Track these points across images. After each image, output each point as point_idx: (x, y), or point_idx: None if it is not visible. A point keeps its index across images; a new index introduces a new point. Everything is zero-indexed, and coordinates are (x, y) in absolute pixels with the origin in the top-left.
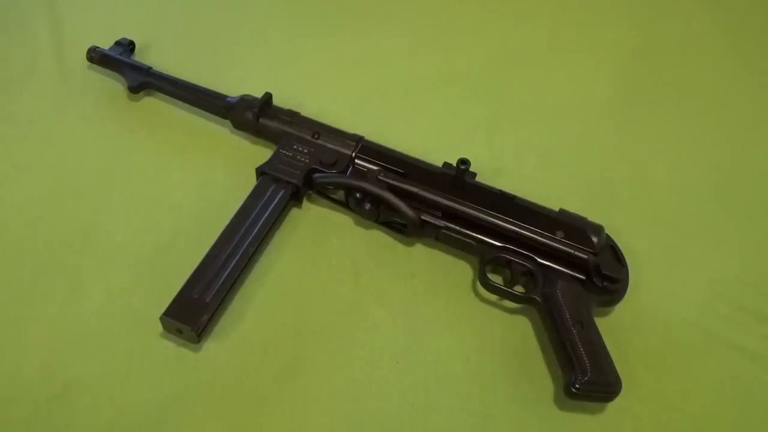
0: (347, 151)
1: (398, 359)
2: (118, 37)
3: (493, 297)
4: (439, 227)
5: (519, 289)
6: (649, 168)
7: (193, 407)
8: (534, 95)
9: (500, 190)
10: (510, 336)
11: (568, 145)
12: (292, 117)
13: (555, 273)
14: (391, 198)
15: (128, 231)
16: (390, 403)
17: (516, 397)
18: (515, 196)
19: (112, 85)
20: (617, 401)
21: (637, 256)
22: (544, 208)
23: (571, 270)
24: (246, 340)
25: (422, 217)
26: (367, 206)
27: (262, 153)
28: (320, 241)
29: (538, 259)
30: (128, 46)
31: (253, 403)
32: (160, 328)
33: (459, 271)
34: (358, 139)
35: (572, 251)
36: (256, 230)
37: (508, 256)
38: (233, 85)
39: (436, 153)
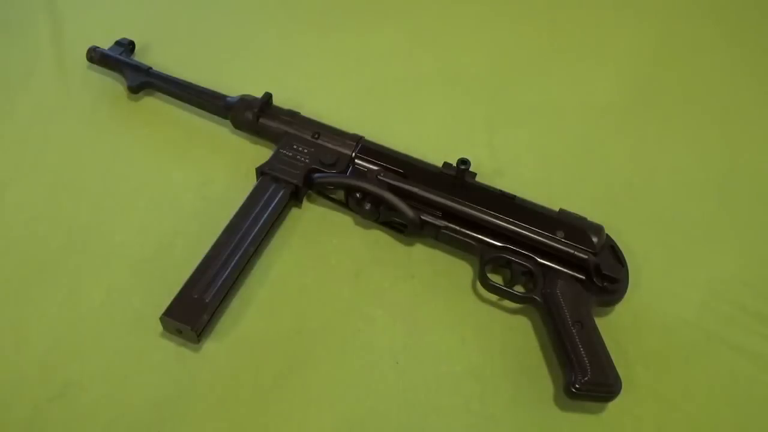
0: (347, 151)
1: (398, 359)
2: (118, 37)
3: (493, 297)
4: (439, 227)
5: (519, 289)
6: (649, 168)
7: (193, 407)
8: (534, 95)
9: (500, 190)
10: (510, 336)
11: (568, 145)
12: (292, 117)
13: (555, 273)
14: (391, 198)
15: (128, 231)
16: (390, 403)
17: (516, 397)
18: (515, 196)
19: (112, 85)
20: (617, 401)
21: (637, 256)
22: (544, 208)
23: (571, 270)
24: (246, 340)
25: (422, 217)
26: (367, 206)
27: (262, 153)
28: (320, 241)
29: (538, 259)
30: (128, 46)
31: (253, 403)
32: (160, 328)
33: (459, 271)
34: (358, 139)
35: (572, 251)
36: (256, 230)
37: (508, 256)
38: (233, 85)
39: (436, 153)
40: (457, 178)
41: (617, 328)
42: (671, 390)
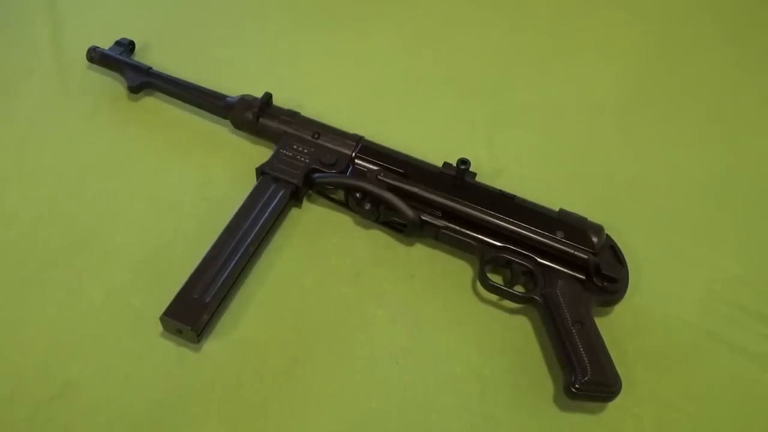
0: (347, 151)
1: (398, 359)
2: (118, 37)
3: (493, 297)
4: (438, 227)
5: (519, 289)
6: (649, 168)
7: (193, 407)
8: (534, 95)
9: (500, 190)
10: (510, 336)
11: (568, 145)
12: (292, 117)
13: (555, 273)
14: (391, 198)
15: (128, 231)
16: (390, 402)
17: (516, 397)
18: (515, 196)
19: (112, 85)
20: (617, 401)
21: (637, 256)
22: (544, 208)
23: (571, 270)
24: (246, 340)
25: (422, 216)
26: (367, 206)
27: (262, 153)
28: (320, 241)
29: (538, 259)
30: (128, 46)
31: (253, 403)
32: (160, 328)
33: (459, 271)
34: (358, 139)
35: (572, 251)
36: (256, 230)
37: (508, 256)
38: (233, 85)
39: (436, 153)
40: (457, 178)
41: (617, 328)
42: (671, 390)
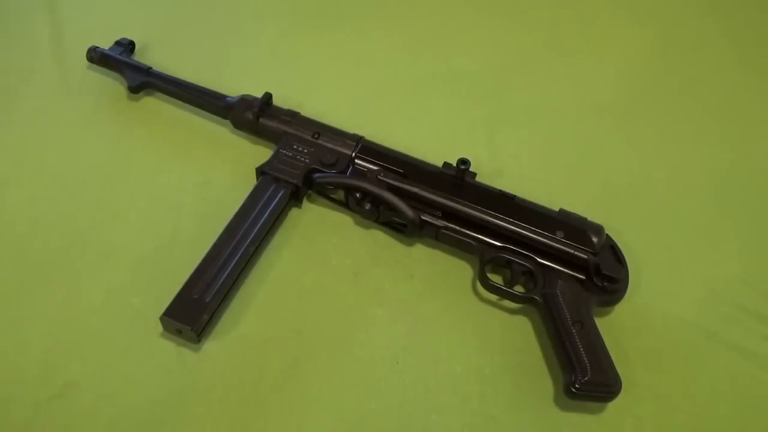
0: (347, 151)
1: (398, 359)
2: (118, 37)
3: (493, 297)
4: (438, 227)
5: (519, 289)
6: (649, 168)
7: (193, 407)
8: (534, 95)
9: (500, 190)
10: (510, 336)
11: (568, 145)
12: (292, 117)
13: (555, 273)
14: (390, 198)
15: (128, 231)
16: (390, 403)
17: (516, 397)
18: (515, 196)
19: (112, 85)
20: (617, 401)
21: (637, 256)
22: (544, 208)
23: (571, 270)
24: (246, 340)
25: (422, 216)
26: (367, 206)
27: (262, 153)
28: (320, 240)
29: (538, 259)
30: (128, 46)
31: (253, 403)
32: (160, 328)
33: (459, 271)
34: (358, 139)
35: (572, 251)
36: (256, 230)
37: (508, 256)
38: (233, 85)
39: (436, 153)
40: (457, 178)
41: (617, 328)
42: (671, 390)
